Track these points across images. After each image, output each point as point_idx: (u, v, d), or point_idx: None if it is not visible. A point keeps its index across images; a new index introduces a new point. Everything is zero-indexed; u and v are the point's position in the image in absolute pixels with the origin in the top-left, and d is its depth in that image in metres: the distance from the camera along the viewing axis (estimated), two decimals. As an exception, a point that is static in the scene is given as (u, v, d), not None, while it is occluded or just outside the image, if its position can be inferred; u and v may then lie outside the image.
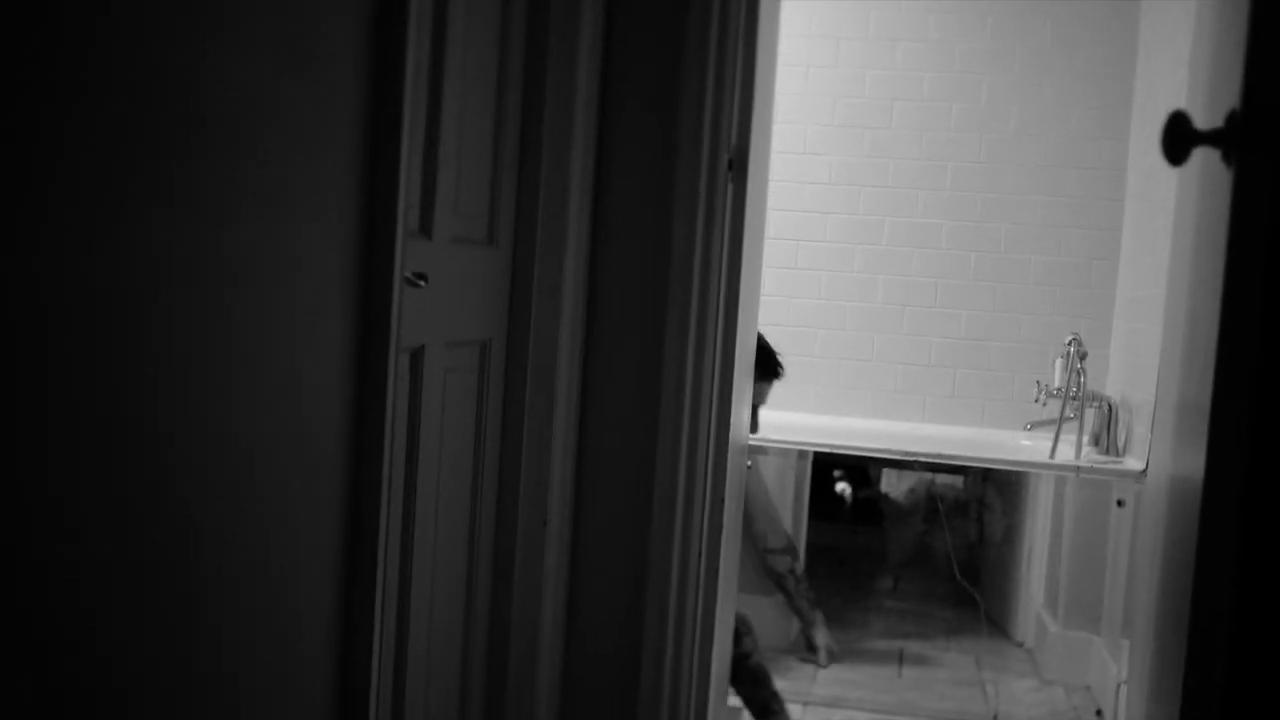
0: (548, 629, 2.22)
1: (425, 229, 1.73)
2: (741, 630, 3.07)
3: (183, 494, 1.14)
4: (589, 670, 2.32)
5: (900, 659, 4.08)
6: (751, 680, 3.08)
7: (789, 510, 4.32)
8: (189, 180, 1.10)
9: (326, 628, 1.46)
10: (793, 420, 4.52)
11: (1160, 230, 3.72)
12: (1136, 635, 2.60)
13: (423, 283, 1.68)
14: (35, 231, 0.92)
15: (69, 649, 1.01)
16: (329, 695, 1.48)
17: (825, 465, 4.53)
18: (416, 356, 1.75)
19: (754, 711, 3.15)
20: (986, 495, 4.54)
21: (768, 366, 3.34)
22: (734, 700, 3.19)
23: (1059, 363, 4.28)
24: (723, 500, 2.50)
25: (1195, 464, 1.64)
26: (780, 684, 3.35)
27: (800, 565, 3.95)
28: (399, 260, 1.49)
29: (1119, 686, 3.37)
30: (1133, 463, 3.77)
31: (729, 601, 2.80)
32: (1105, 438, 4.08)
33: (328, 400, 1.41)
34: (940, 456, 3.89)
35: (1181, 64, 3.42)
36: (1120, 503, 3.66)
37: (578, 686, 2.32)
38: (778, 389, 4.71)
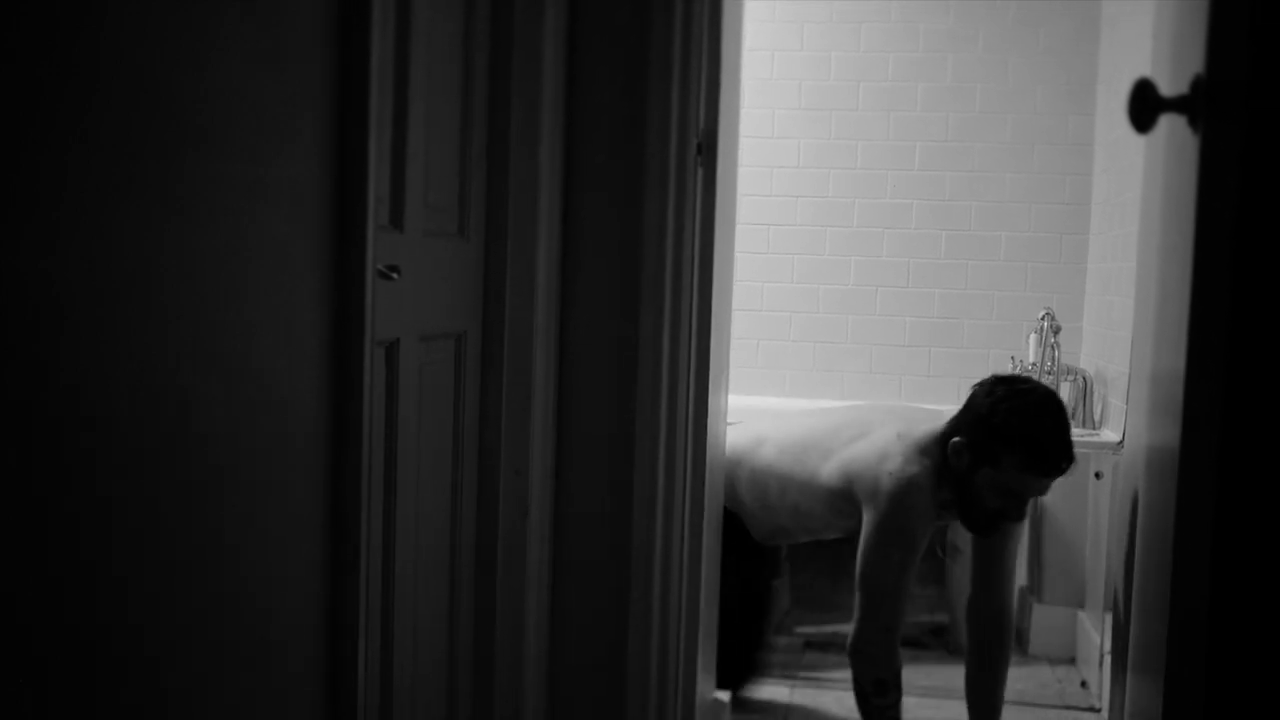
0: (533, 620, 2.21)
1: (396, 222, 1.72)
2: (890, 683, 2.96)
3: (158, 494, 1.14)
4: (576, 660, 2.32)
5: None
6: None
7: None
8: (157, 175, 1.10)
9: (312, 629, 1.46)
10: (769, 405, 4.53)
11: (1129, 203, 3.74)
12: (1118, 606, 2.62)
13: (395, 275, 1.68)
14: None
15: (36, 659, 1.00)
16: (318, 695, 1.48)
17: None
18: (391, 350, 1.74)
19: None
20: (965, 472, 4.54)
21: (1055, 464, 2.81)
22: (721, 694, 3.18)
23: (1033, 338, 4.29)
24: (704, 484, 2.50)
25: (1171, 433, 1.65)
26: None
27: None
28: (370, 253, 1.48)
29: (1103, 658, 3.38)
30: (1109, 435, 3.79)
31: (713, 587, 2.81)
32: (1081, 411, 4.10)
33: (303, 397, 1.40)
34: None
35: (1145, 37, 3.44)
36: (1098, 475, 3.68)
37: (565, 676, 2.32)
38: (754, 374, 4.72)
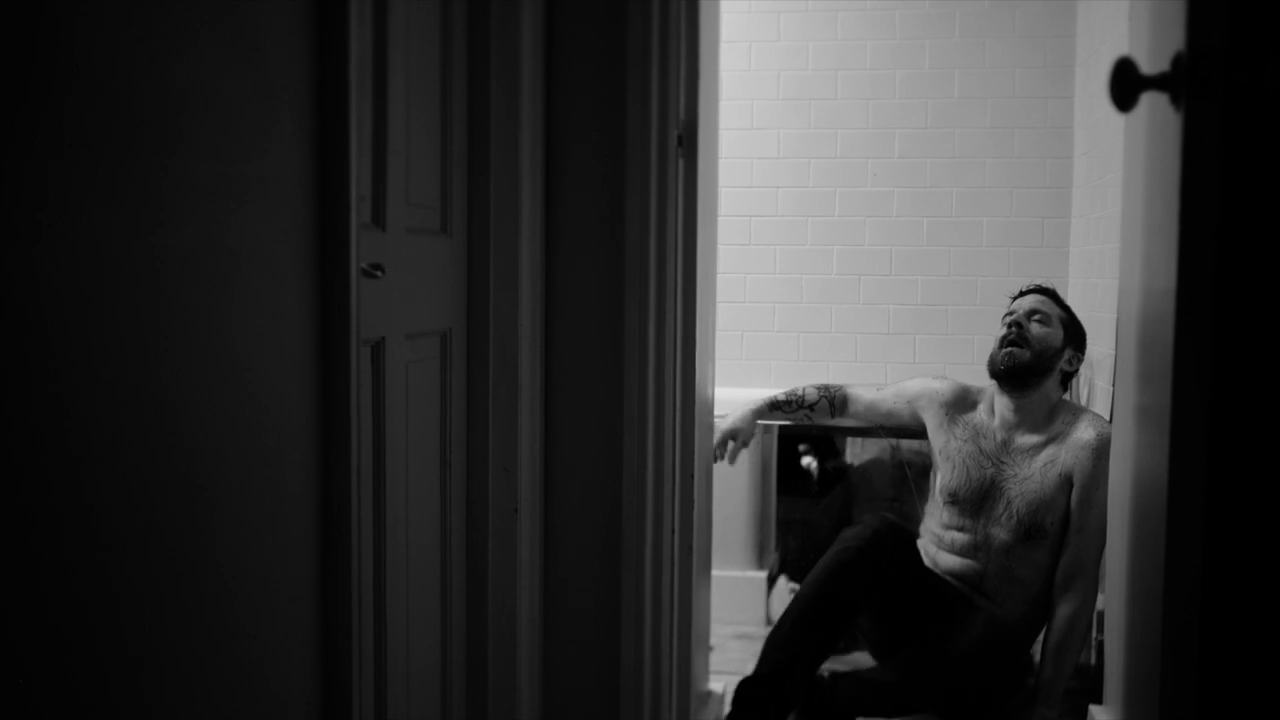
0: (525, 618, 2.21)
1: (378, 220, 1.71)
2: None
3: (145, 498, 1.13)
4: (569, 655, 2.32)
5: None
6: None
7: (757, 487, 4.32)
8: (140, 177, 1.09)
9: (305, 631, 1.45)
10: (756, 396, 4.52)
11: (1110, 184, 3.74)
12: (1111, 588, 2.62)
13: (379, 274, 1.67)
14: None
15: (18, 663, 1.00)
16: (313, 697, 1.47)
17: (790, 440, 4.53)
18: (377, 349, 1.73)
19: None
20: (953, 458, 4.54)
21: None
22: (715, 685, 3.17)
23: (1017, 322, 4.28)
24: (692, 476, 2.50)
25: (1160, 415, 1.65)
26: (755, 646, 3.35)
27: None
28: (354, 251, 1.47)
29: (1096, 643, 3.39)
30: (1095, 417, 3.78)
31: (704, 577, 2.80)
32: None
33: (291, 397, 1.39)
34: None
35: (1121, 19, 3.44)
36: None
37: (559, 671, 2.32)
38: (739, 366, 4.72)
